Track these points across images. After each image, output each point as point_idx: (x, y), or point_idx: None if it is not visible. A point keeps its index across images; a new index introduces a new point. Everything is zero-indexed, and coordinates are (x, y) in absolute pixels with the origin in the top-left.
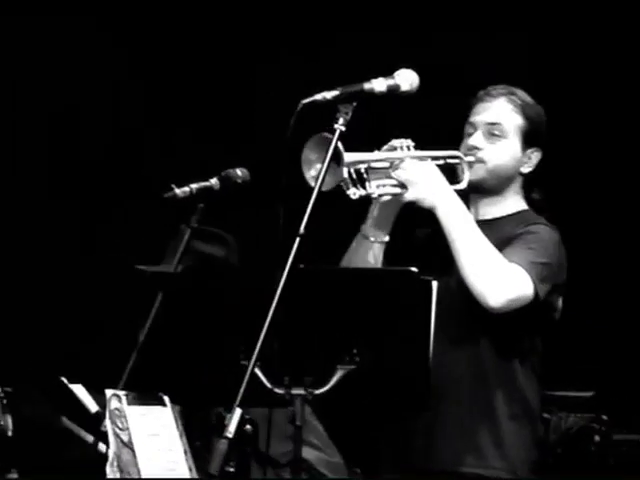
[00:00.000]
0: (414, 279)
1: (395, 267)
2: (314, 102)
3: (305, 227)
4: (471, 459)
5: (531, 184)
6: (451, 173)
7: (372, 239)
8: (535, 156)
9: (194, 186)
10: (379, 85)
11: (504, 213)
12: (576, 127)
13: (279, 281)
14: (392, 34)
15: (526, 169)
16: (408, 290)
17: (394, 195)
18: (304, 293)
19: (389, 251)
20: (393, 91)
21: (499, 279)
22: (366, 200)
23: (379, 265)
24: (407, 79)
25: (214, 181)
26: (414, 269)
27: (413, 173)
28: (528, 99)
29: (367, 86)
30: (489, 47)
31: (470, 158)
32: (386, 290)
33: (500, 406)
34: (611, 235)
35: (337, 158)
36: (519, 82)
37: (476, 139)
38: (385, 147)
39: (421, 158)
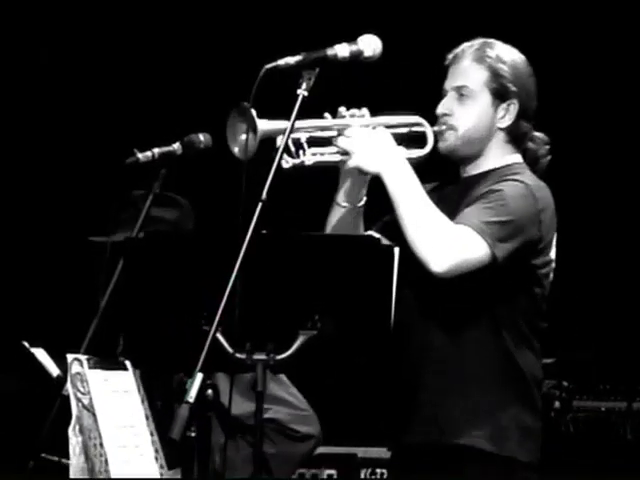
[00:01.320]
0: (375, 245)
1: (357, 234)
2: (277, 67)
3: (267, 193)
4: (450, 429)
5: (524, 135)
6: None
7: (344, 205)
8: (513, 108)
9: (156, 151)
10: (342, 50)
11: (482, 170)
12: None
13: (241, 247)
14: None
15: (505, 123)
16: (370, 256)
17: (335, 163)
18: (266, 259)
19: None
20: (356, 57)
21: (441, 243)
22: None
23: (359, 230)
24: (370, 44)
25: (176, 146)
26: (376, 235)
27: (354, 140)
28: (501, 50)
29: (330, 52)
30: None
31: (441, 127)
32: (348, 256)
33: (479, 372)
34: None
35: (254, 128)
36: None
37: (444, 105)
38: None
39: (374, 126)
